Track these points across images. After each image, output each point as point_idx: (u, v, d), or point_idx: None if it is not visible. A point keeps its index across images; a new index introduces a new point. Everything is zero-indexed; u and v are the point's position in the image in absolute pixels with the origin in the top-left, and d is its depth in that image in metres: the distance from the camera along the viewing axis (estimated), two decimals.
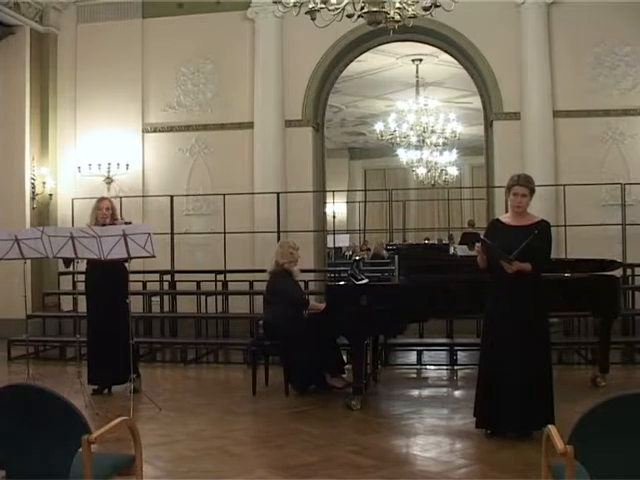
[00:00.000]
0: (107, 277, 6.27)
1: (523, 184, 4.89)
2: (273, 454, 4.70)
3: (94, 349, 6.49)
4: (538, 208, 8.88)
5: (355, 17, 5.65)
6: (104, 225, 6.26)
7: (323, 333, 6.31)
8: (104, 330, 6.36)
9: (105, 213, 6.44)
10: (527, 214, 4.98)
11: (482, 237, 5.02)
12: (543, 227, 4.89)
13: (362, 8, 5.60)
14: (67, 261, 6.50)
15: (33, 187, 10.41)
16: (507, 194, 5.01)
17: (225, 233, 9.73)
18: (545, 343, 4.93)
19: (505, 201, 5.45)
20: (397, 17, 5.70)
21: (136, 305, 8.02)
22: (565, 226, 8.99)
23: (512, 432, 4.83)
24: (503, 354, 4.82)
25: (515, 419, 4.80)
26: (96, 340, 6.46)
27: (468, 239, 5.18)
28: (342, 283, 7.18)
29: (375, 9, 5.56)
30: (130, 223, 6.48)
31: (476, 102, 12.28)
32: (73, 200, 10.05)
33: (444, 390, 6.95)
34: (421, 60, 12.98)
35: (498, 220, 5.15)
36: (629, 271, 8.93)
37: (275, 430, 5.33)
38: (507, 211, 5.34)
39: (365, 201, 20.79)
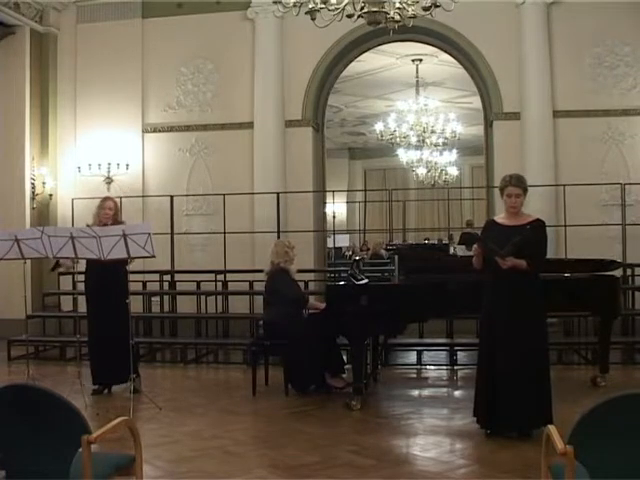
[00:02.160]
0: (107, 277, 6.26)
1: (516, 184, 4.92)
2: (273, 454, 4.70)
3: (95, 349, 6.50)
4: (538, 208, 8.96)
5: (355, 17, 5.65)
6: (105, 225, 6.26)
7: (323, 333, 6.31)
8: (104, 330, 6.37)
9: (108, 213, 6.45)
10: (522, 214, 5.00)
11: (477, 236, 5.05)
12: (537, 225, 4.91)
13: (362, 8, 5.60)
14: (55, 265, 6.51)
15: (33, 187, 10.41)
16: (501, 195, 5.03)
17: (225, 233, 9.73)
18: (543, 343, 4.93)
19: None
20: (397, 17, 5.70)
21: (136, 305, 8.02)
22: (565, 226, 8.99)
23: (511, 432, 4.84)
24: (500, 354, 4.83)
25: (513, 419, 4.80)
26: (96, 340, 6.47)
27: (465, 239, 5.20)
28: (342, 283, 7.17)
29: (375, 9, 5.56)
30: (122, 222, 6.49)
31: (476, 102, 12.28)
32: (73, 200, 10.04)
33: (444, 390, 6.95)
34: (421, 60, 12.97)
35: (493, 221, 5.17)
36: (629, 271, 8.92)
37: (275, 430, 5.33)
38: None
39: (365, 201, 20.79)
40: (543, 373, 4.87)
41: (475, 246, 4.96)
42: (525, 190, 4.94)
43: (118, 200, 9.54)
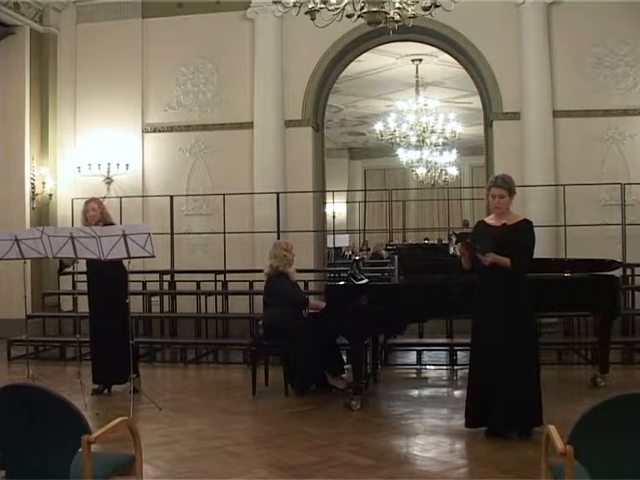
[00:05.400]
0: (106, 276, 6.27)
1: (500, 185, 4.96)
2: (273, 454, 4.70)
3: (93, 349, 6.51)
4: (538, 208, 9.00)
5: (355, 17, 5.65)
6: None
7: (323, 333, 6.31)
8: (104, 330, 6.37)
9: (92, 215, 6.44)
10: (510, 214, 5.03)
11: (455, 235, 5.14)
12: (520, 225, 4.95)
13: (362, 8, 5.60)
14: (61, 266, 6.52)
15: (33, 187, 10.40)
16: (487, 195, 5.06)
17: (225, 233, 9.73)
18: (530, 342, 4.93)
19: None
20: (397, 17, 5.70)
21: (136, 305, 8.01)
22: (565, 226, 9.00)
23: (504, 431, 4.83)
24: (489, 354, 4.86)
25: (505, 418, 4.80)
26: (96, 340, 6.48)
27: (458, 239, 5.26)
28: (342, 283, 7.17)
29: (375, 9, 5.56)
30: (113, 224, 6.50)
31: (476, 102, 12.28)
32: (73, 200, 10.02)
33: (444, 390, 6.96)
34: (421, 60, 12.98)
35: (483, 221, 5.23)
36: (629, 271, 8.92)
37: (275, 430, 5.33)
38: None
39: (365, 201, 20.79)
40: (531, 372, 4.87)
41: (459, 245, 5.01)
42: (510, 191, 4.96)
43: (117, 200, 9.69)
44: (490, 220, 5.11)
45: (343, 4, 5.63)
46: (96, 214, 6.46)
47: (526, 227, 4.96)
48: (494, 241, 4.78)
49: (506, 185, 4.95)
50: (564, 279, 6.42)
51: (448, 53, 10.71)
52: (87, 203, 6.59)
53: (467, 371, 7.28)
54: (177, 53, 10.48)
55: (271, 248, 6.89)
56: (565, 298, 6.15)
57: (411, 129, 14.01)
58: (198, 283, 9.65)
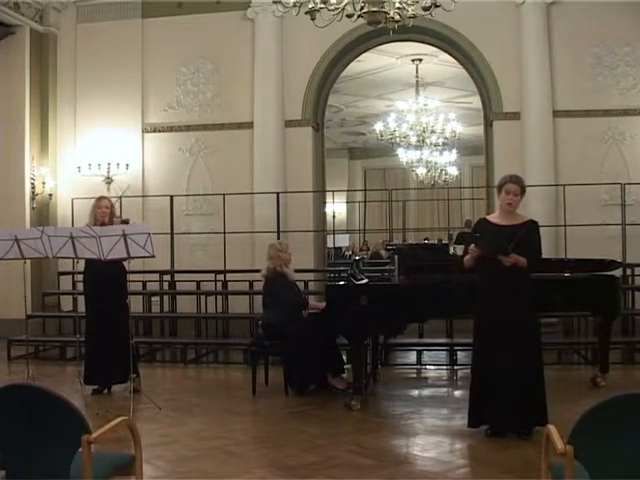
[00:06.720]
0: (106, 276, 6.26)
1: (515, 182, 4.93)
2: (273, 454, 4.70)
3: (92, 349, 6.48)
4: (538, 208, 9.00)
5: (355, 17, 5.65)
6: (103, 224, 6.27)
7: (323, 333, 6.30)
8: (103, 330, 6.36)
9: (105, 212, 6.47)
10: (516, 214, 5.01)
11: (472, 236, 5.10)
12: (531, 227, 4.94)
13: (362, 8, 5.60)
14: None
15: (33, 187, 10.41)
16: (498, 193, 5.02)
17: (225, 233, 9.74)
18: (534, 342, 4.94)
19: None
20: (397, 17, 5.71)
21: (136, 305, 8.02)
22: (565, 226, 9.00)
23: (510, 432, 4.84)
24: (494, 354, 4.85)
25: (507, 418, 4.80)
26: (96, 340, 6.45)
27: (464, 240, 5.23)
28: (342, 283, 7.17)
29: (375, 9, 5.57)
30: (127, 222, 6.49)
31: (476, 102, 12.28)
32: (73, 200, 10.04)
33: (444, 390, 6.96)
34: (421, 60, 12.98)
35: (486, 220, 5.15)
36: (629, 271, 8.92)
37: (275, 430, 5.33)
38: None
39: (365, 201, 20.80)
40: (537, 372, 4.88)
41: (472, 246, 4.93)
42: (523, 191, 4.95)
43: (118, 200, 9.68)
44: (495, 219, 5.05)
45: (343, 4, 5.64)
46: (108, 212, 6.49)
47: (534, 227, 4.95)
48: (513, 241, 4.75)
49: (521, 183, 4.94)
50: (564, 279, 6.42)
51: (448, 53, 10.71)
52: (100, 200, 6.60)
53: (467, 371, 7.31)
54: (177, 53, 10.48)
55: (267, 249, 6.87)
56: (565, 298, 6.15)
57: (411, 129, 14.02)
58: (198, 283, 9.66)
